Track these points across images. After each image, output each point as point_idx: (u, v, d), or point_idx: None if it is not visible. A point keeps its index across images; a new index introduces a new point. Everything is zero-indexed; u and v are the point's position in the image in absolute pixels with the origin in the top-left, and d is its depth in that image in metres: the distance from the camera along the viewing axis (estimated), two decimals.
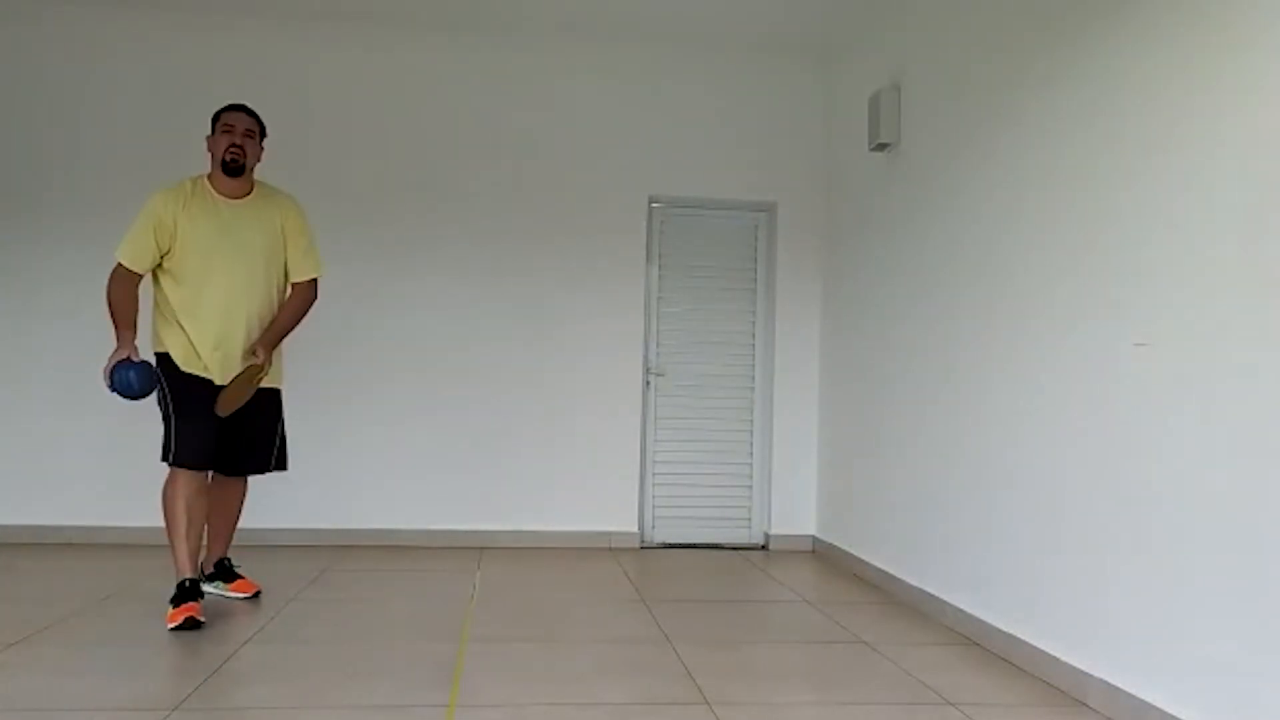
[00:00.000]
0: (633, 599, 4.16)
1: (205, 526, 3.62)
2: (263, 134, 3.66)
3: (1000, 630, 3.39)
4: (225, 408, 3.45)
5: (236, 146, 3.51)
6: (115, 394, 3.34)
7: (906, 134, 4.47)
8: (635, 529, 5.48)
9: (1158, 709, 2.56)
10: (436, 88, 5.44)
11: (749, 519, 5.62)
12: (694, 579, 4.70)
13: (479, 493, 5.32)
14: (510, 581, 4.43)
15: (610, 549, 5.38)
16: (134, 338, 3.38)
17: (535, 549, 5.28)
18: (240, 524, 5.04)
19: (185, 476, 3.47)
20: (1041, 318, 3.25)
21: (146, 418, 5.22)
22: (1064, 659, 3.00)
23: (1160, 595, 2.61)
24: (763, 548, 5.56)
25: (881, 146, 4.64)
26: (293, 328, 3.71)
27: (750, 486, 5.62)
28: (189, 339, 3.49)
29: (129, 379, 3.31)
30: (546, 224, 5.46)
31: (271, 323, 3.62)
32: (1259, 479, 2.29)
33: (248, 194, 3.59)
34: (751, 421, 5.63)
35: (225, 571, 3.88)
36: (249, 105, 3.67)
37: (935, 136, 4.18)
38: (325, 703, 2.72)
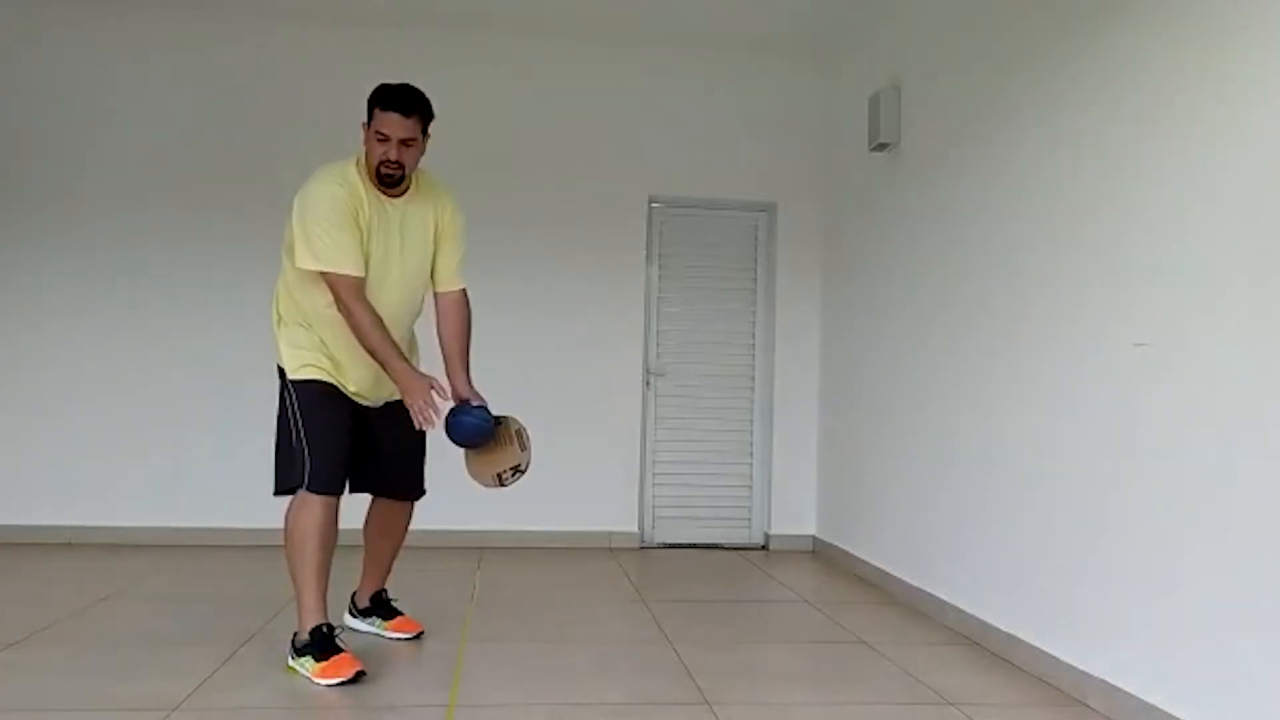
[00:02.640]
0: (633, 599, 4.15)
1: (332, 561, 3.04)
2: (428, 124, 3.03)
3: (1000, 630, 3.39)
4: (524, 469, 3.18)
5: (392, 163, 2.92)
6: (458, 442, 3.04)
7: (906, 134, 4.47)
8: (635, 529, 5.48)
9: (1158, 709, 2.56)
10: (435, 87, 5.41)
11: (749, 519, 5.62)
12: (694, 579, 4.70)
13: (479, 492, 5.29)
14: (510, 581, 4.43)
15: (610, 549, 5.38)
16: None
17: (535, 549, 5.27)
18: (239, 524, 5.08)
19: (321, 502, 2.89)
20: (1041, 317, 3.25)
21: (145, 417, 5.24)
22: (1064, 659, 3.00)
23: (1161, 595, 2.61)
24: (763, 548, 5.56)
25: (881, 146, 4.64)
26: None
27: (750, 486, 5.62)
28: (330, 355, 3.00)
29: (477, 425, 3.03)
30: (546, 224, 5.46)
31: (461, 361, 3.25)
32: (1260, 479, 2.28)
33: (404, 192, 3.06)
34: (751, 421, 5.63)
35: (384, 607, 3.41)
36: (410, 94, 2.98)
37: (935, 136, 4.18)
38: (325, 703, 2.72)
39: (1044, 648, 3.12)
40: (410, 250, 3.07)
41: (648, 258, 5.57)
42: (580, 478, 5.39)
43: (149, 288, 5.21)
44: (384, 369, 2.92)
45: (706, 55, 5.59)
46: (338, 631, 2.98)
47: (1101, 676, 2.82)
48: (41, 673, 2.88)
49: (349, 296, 2.86)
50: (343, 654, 2.89)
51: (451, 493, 5.44)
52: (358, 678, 2.83)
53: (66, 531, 5.06)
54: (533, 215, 5.45)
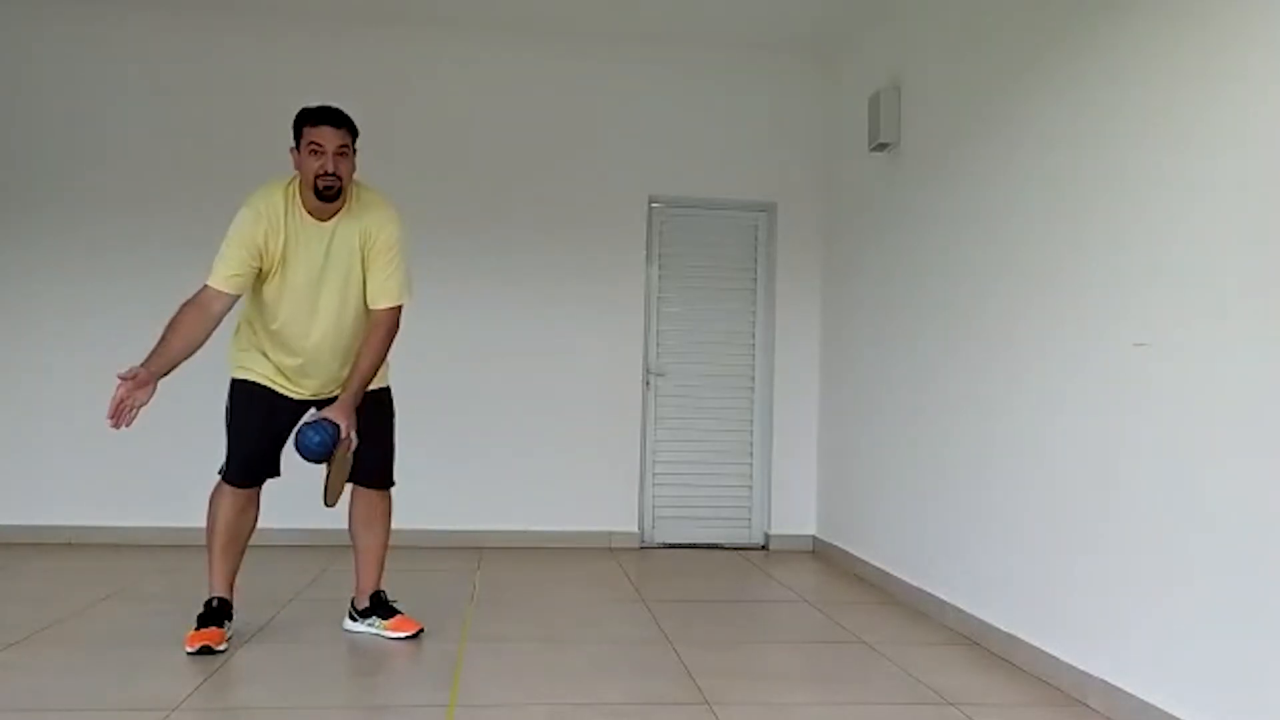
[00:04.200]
0: (633, 599, 4.15)
1: (245, 548, 3.32)
2: (355, 138, 3.18)
3: (1000, 630, 3.39)
4: (333, 498, 3.12)
5: (329, 174, 3.05)
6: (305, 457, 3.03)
7: (906, 134, 4.47)
8: (635, 529, 5.48)
9: (1158, 709, 2.56)
10: (436, 87, 5.44)
11: (749, 519, 5.62)
12: (694, 579, 4.70)
13: (478, 493, 5.32)
14: (510, 581, 4.43)
15: (610, 549, 5.38)
16: (159, 373, 2.92)
17: (535, 549, 5.27)
18: None
19: (230, 492, 3.23)
20: (1040, 317, 3.25)
21: (145, 417, 5.22)
22: (1064, 659, 3.00)
23: (1161, 595, 2.61)
24: (763, 548, 5.56)
25: (881, 146, 4.64)
26: (376, 370, 3.20)
27: (750, 486, 5.62)
28: (268, 365, 3.25)
29: (314, 442, 2.96)
30: (546, 224, 5.46)
31: (347, 380, 3.14)
32: (1260, 479, 2.28)
33: (338, 211, 3.16)
34: (751, 421, 5.63)
35: (382, 606, 3.43)
36: (336, 109, 3.17)
37: (935, 136, 4.18)
38: (325, 703, 2.72)
39: (1044, 648, 3.12)
40: (337, 271, 3.17)
41: (648, 258, 5.57)
42: (580, 478, 5.40)
43: (149, 288, 5.19)
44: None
45: (707, 55, 5.59)
46: (230, 609, 3.24)
47: (1101, 676, 2.82)
48: (41, 673, 2.88)
49: (192, 298, 3.06)
50: (212, 629, 3.12)
51: (451, 493, 5.48)
52: (201, 651, 3.05)
53: (66, 531, 5.06)
54: (533, 215, 5.45)
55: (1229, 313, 2.41)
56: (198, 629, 3.12)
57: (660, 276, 5.61)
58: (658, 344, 5.58)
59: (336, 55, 5.32)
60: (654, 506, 5.55)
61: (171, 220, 5.23)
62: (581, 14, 5.19)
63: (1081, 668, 2.91)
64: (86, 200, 5.19)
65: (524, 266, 5.44)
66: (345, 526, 3.47)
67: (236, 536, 3.27)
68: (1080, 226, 3.05)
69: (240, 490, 3.25)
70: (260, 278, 3.15)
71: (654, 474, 5.55)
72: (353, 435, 3.05)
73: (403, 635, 3.35)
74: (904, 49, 4.57)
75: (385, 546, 3.46)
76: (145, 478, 5.15)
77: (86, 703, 2.64)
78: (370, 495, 3.41)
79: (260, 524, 4.66)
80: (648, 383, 5.55)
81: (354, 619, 3.45)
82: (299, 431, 3.02)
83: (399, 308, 3.27)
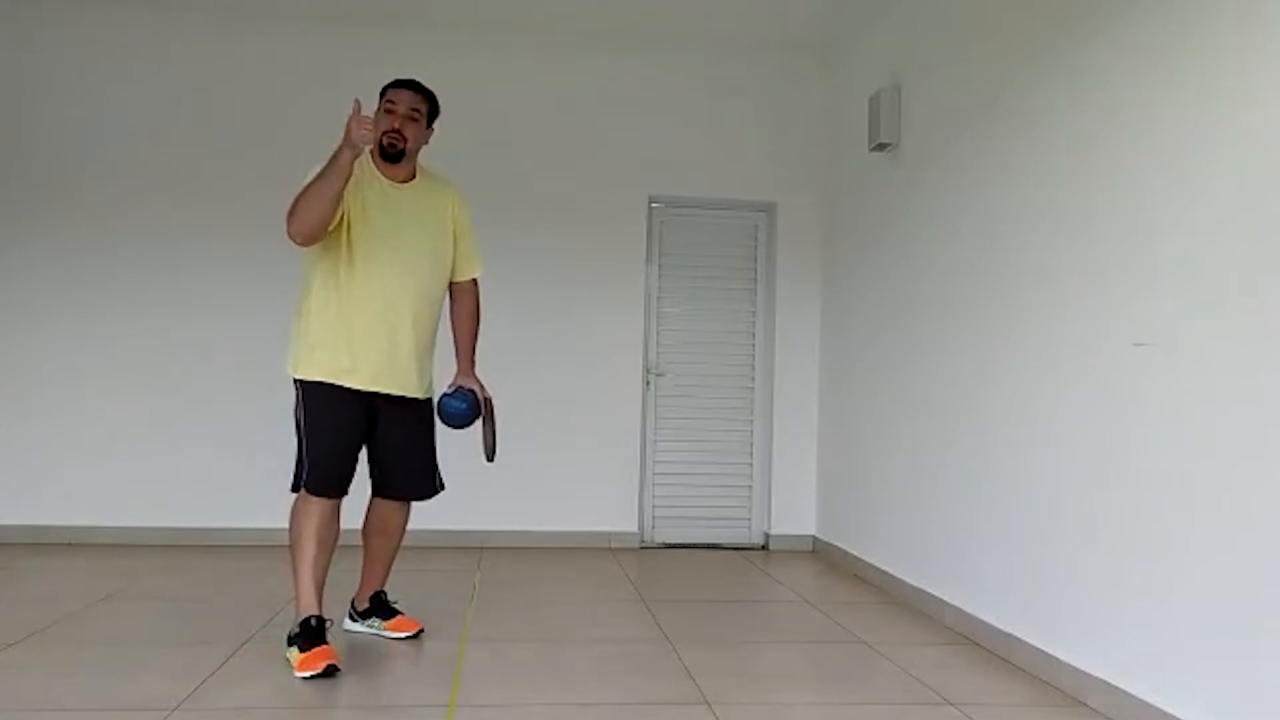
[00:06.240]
0: (633, 599, 4.15)
1: (331, 559, 3.17)
2: (434, 114, 3.26)
3: (1000, 630, 3.39)
4: (491, 453, 3.34)
5: (395, 132, 3.10)
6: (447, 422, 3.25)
7: (906, 134, 4.47)
8: (635, 529, 5.48)
9: (1158, 709, 2.56)
10: (435, 88, 5.42)
11: (749, 519, 5.62)
12: (694, 579, 4.70)
13: (479, 492, 5.30)
14: (510, 581, 4.43)
15: (610, 549, 5.38)
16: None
17: (535, 549, 5.27)
18: (239, 524, 5.07)
19: (317, 502, 3.05)
20: (1040, 317, 3.25)
21: (145, 417, 5.24)
22: (1064, 659, 3.00)
23: (1160, 595, 2.61)
24: (763, 548, 5.56)
25: (881, 146, 4.64)
26: (477, 334, 3.46)
27: (750, 486, 5.62)
28: (342, 341, 3.06)
29: (454, 410, 3.22)
30: (546, 224, 5.46)
31: (465, 346, 3.42)
32: (1258, 478, 2.29)
33: (412, 178, 3.21)
34: (751, 421, 5.63)
35: (383, 607, 3.43)
36: (418, 81, 3.26)
37: (935, 136, 4.18)
38: (325, 703, 2.72)
39: (1044, 648, 3.12)
40: (424, 233, 3.22)
41: (648, 258, 5.57)
42: (580, 478, 5.40)
43: (149, 288, 5.21)
44: (335, 175, 2.87)
45: (706, 55, 5.59)
46: (329, 625, 3.05)
47: (1101, 676, 2.82)
48: (41, 673, 2.88)
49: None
50: (322, 647, 2.95)
51: (451, 493, 5.44)
52: (328, 671, 2.88)
53: (66, 531, 5.05)
54: (533, 216, 5.45)
55: (1229, 312, 2.41)
56: (305, 650, 2.93)
57: (660, 276, 5.61)
58: (658, 344, 5.58)
59: (336, 55, 5.31)
60: (654, 506, 5.55)
61: (173, 221, 5.23)
62: (581, 15, 5.19)
63: (1081, 668, 2.91)
64: (87, 201, 5.19)
65: (523, 267, 5.43)
66: (347, 526, 3.46)
67: (325, 548, 3.08)
68: (1080, 226, 3.06)
69: (327, 501, 3.06)
70: (336, 243, 3.03)
71: (654, 474, 5.55)
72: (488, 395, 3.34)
73: (403, 635, 3.36)
74: (904, 49, 4.57)
75: (396, 552, 3.46)
76: (145, 478, 5.15)
77: (86, 703, 2.64)
78: (394, 504, 3.38)
79: (260, 524, 4.71)
80: (648, 383, 5.55)
81: (354, 619, 3.45)
82: (441, 404, 3.22)
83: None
